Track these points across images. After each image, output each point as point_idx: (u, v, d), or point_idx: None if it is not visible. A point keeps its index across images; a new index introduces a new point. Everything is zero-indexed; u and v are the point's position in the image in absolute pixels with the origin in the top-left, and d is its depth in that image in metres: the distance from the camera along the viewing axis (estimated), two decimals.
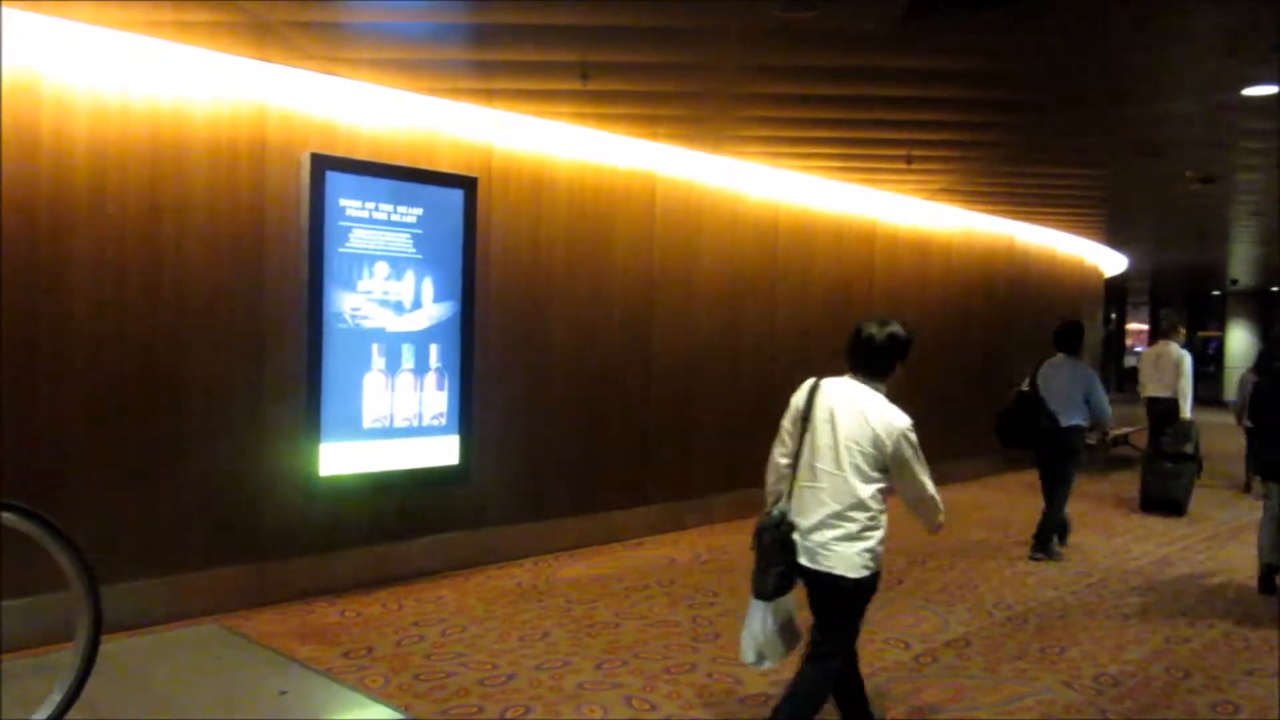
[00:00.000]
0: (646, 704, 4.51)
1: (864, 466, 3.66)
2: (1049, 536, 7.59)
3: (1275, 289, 24.12)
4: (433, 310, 6.31)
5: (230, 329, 5.58)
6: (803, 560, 3.72)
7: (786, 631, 3.87)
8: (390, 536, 6.36)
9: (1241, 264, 18.81)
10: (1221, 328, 26.79)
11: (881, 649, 5.34)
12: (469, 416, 6.51)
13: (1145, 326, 32.97)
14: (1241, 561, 7.62)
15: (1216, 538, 8.57)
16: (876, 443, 3.66)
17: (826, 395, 3.84)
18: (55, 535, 3.66)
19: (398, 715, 4.32)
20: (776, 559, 3.76)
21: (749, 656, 3.89)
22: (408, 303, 6.19)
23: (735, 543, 7.83)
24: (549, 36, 5.04)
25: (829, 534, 3.66)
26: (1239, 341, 26.04)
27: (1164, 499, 9.58)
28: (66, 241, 4.98)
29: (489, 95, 6.37)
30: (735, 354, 8.62)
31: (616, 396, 7.67)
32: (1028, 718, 4.50)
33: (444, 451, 6.40)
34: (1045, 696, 4.72)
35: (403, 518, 6.41)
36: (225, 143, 5.52)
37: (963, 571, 7.08)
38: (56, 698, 3.68)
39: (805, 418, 3.85)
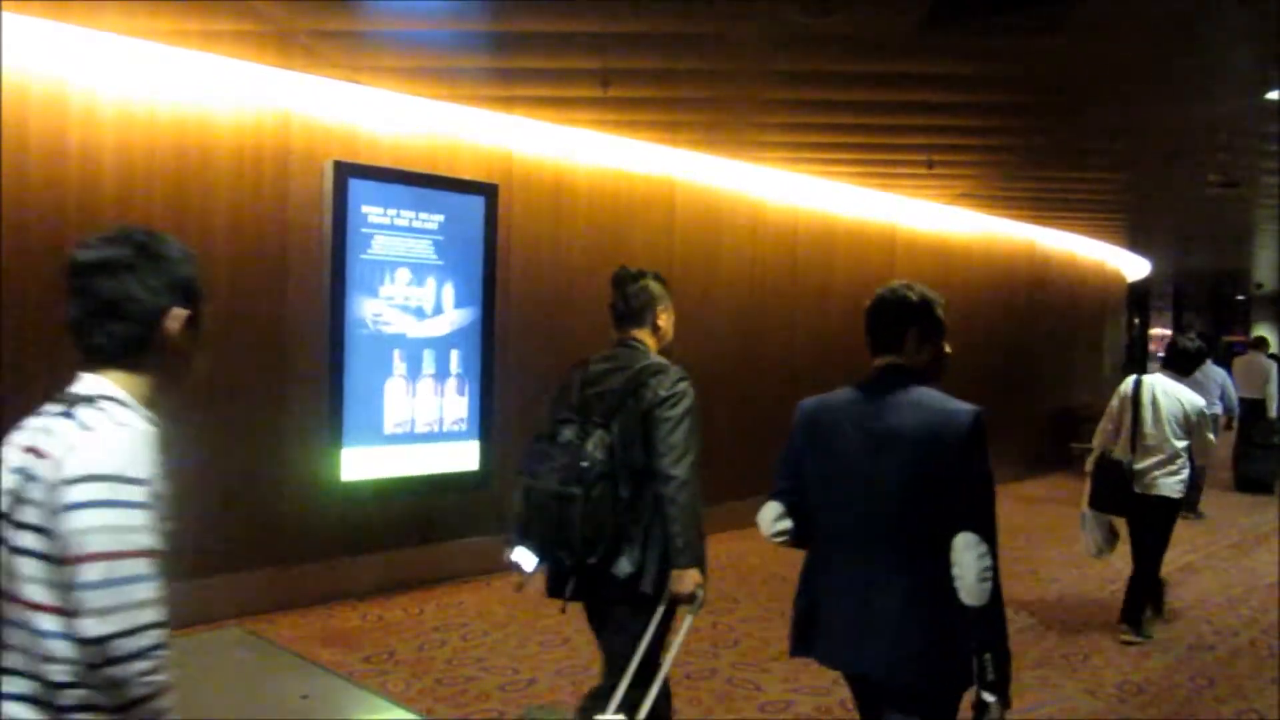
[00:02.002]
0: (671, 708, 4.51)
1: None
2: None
3: None
4: (454, 316, 6.34)
5: (253, 334, 5.63)
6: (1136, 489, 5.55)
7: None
8: (411, 541, 6.39)
9: (1265, 268, 18.64)
10: (1246, 332, 26.54)
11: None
12: (489, 422, 6.54)
13: (1169, 332, 32.73)
14: (1266, 568, 7.55)
15: (1241, 545, 8.49)
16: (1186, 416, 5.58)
17: (1148, 386, 5.69)
18: None
19: (419, 719, 4.35)
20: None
21: (1093, 551, 5.71)
22: (429, 309, 6.22)
23: (754, 549, 7.81)
24: (569, 44, 5.06)
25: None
26: None
27: (1257, 480, 11.41)
28: None
29: (509, 102, 6.40)
30: (755, 359, 8.61)
31: None
32: None
33: (465, 457, 6.43)
34: (1068, 704, 4.69)
35: (424, 523, 6.44)
36: (249, 151, 5.57)
37: None
38: None
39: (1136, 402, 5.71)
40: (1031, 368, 12.16)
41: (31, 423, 1.68)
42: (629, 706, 3.00)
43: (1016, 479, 11.75)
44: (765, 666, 5.11)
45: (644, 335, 3.38)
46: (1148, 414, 5.65)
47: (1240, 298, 26.27)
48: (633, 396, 3.12)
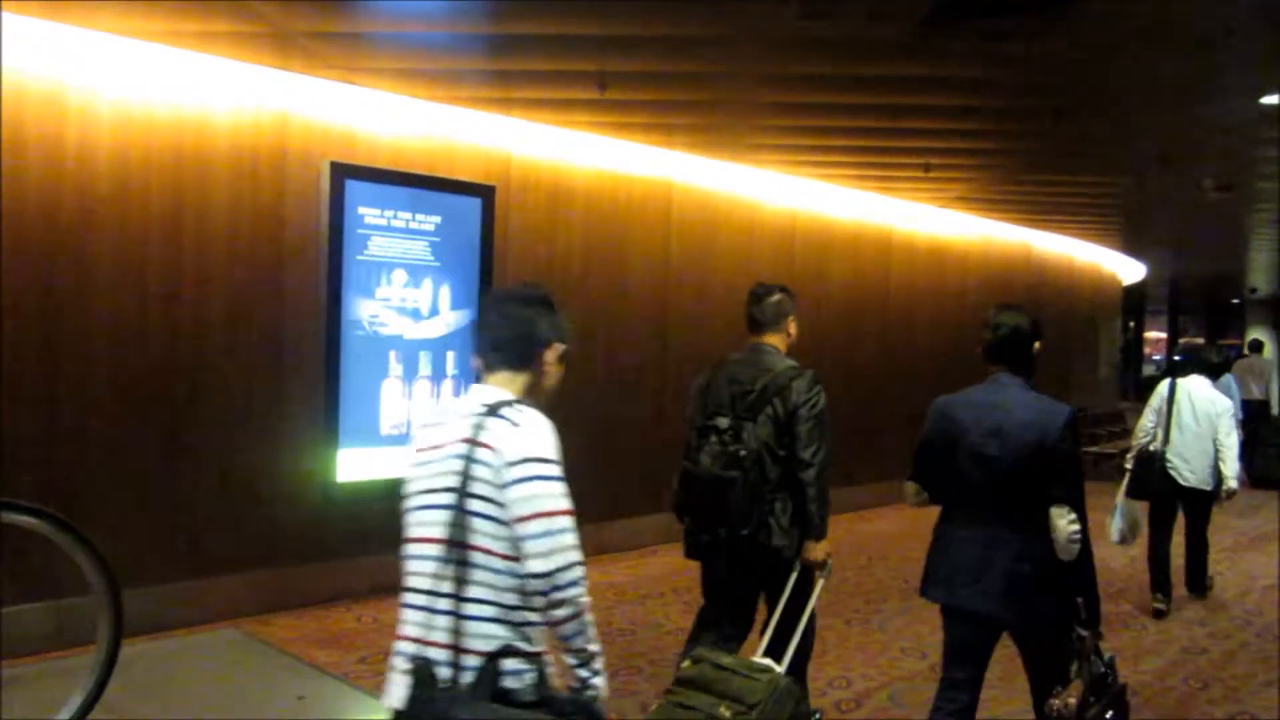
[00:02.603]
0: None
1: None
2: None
3: None
4: (450, 317, 6.34)
5: (250, 335, 5.63)
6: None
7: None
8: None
9: (1260, 272, 18.67)
10: (1241, 336, 26.59)
11: (898, 658, 5.33)
12: None
13: (1164, 335, 32.78)
14: (1261, 570, 7.57)
15: (1236, 548, 8.51)
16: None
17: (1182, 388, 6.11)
18: (77, 539, 3.71)
19: None
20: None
21: (1116, 538, 5.85)
22: (425, 310, 6.22)
23: None
24: (567, 46, 5.07)
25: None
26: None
27: (1268, 477, 11.96)
28: (89, 248, 5.04)
29: (507, 104, 6.40)
30: None
31: (632, 403, 7.68)
32: None
33: None
34: None
35: None
36: (246, 151, 5.57)
37: None
38: (77, 700, 3.72)
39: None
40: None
41: (448, 421, 2.22)
42: (776, 652, 3.63)
43: None
44: None
45: (777, 340, 3.96)
46: (1183, 413, 6.37)
47: (1235, 301, 26.31)
48: (778, 396, 3.74)
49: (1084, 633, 3.22)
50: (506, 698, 2.06)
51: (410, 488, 2.27)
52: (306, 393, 5.83)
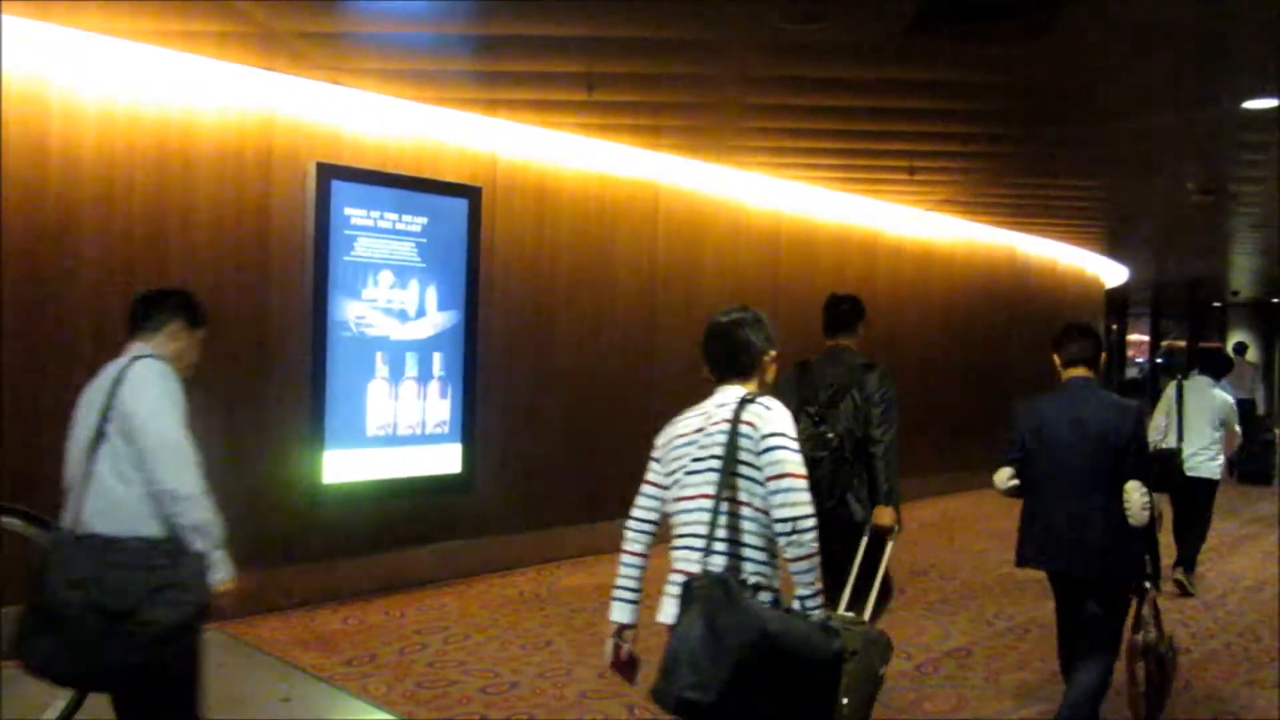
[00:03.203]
0: (649, 712, 4.51)
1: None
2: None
3: (1276, 300, 24.11)
4: (436, 319, 6.34)
5: (235, 337, 5.60)
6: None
7: None
8: (393, 544, 6.37)
9: (1242, 275, 18.81)
10: (1222, 339, 26.78)
11: None
12: (472, 425, 6.53)
13: (1146, 338, 32.96)
14: (1243, 571, 7.63)
15: (1219, 549, 8.56)
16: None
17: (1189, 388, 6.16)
18: None
19: None
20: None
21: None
22: (412, 311, 6.21)
23: None
24: (554, 48, 5.08)
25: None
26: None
27: (1254, 473, 12.82)
28: (73, 248, 5.01)
29: (494, 105, 6.40)
30: None
31: (619, 405, 7.68)
32: None
33: (447, 460, 6.42)
34: (1046, 706, 4.72)
35: (406, 526, 6.43)
36: (232, 152, 5.55)
37: (964, 582, 7.09)
38: (61, 704, 3.70)
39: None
40: (1010, 371, 12.21)
41: (705, 412, 2.89)
42: (855, 609, 4.08)
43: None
44: None
45: (851, 341, 4.65)
46: (1191, 411, 7.07)
47: (1217, 304, 26.49)
48: (856, 387, 4.40)
49: (1148, 585, 4.29)
50: None
51: (674, 464, 2.88)
52: (293, 394, 5.81)
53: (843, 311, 4.85)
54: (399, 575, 6.36)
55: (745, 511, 2.72)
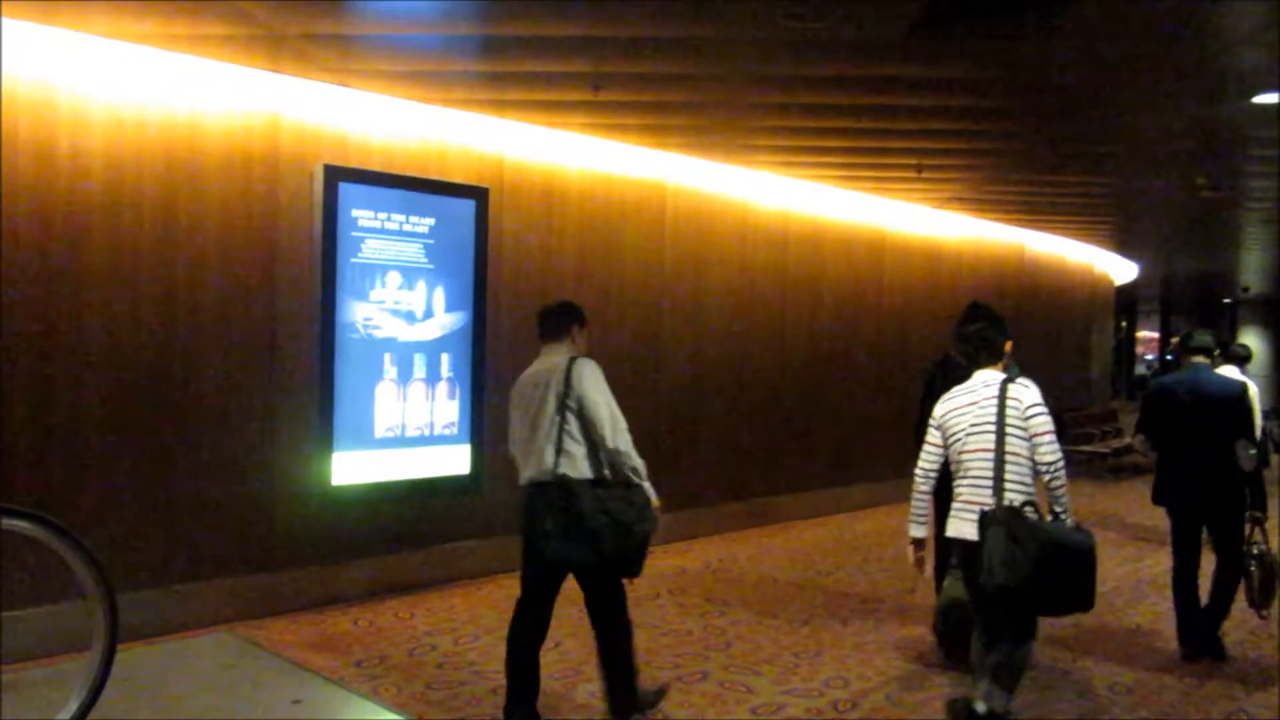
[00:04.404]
0: (658, 713, 4.51)
1: None
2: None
3: None
4: (444, 320, 6.34)
5: (243, 339, 5.62)
6: None
7: None
8: (402, 546, 6.38)
9: (1252, 271, 18.74)
10: (1233, 335, 26.69)
11: (893, 658, 5.34)
12: (480, 426, 6.53)
13: (1156, 335, 32.85)
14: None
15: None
16: None
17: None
18: (72, 544, 3.69)
19: None
20: None
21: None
22: (419, 312, 6.22)
23: (745, 553, 7.83)
24: (560, 48, 5.07)
25: None
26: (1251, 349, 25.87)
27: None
28: (82, 252, 5.02)
29: (500, 106, 6.40)
30: (745, 362, 8.63)
31: (626, 405, 7.61)
32: None
33: (455, 461, 6.42)
34: (1058, 706, 4.70)
35: (415, 527, 6.43)
36: (239, 154, 5.56)
37: None
38: (73, 705, 3.70)
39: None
40: (1020, 368, 12.21)
41: (974, 390, 4.17)
42: None
43: None
44: (757, 669, 5.11)
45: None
46: None
47: (1227, 301, 26.39)
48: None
49: (1259, 513, 5.60)
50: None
51: (954, 428, 4.17)
52: (301, 396, 5.82)
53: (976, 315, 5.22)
54: (408, 577, 6.36)
55: (1015, 459, 4.00)
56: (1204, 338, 5.62)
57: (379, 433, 6.06)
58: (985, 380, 4.14)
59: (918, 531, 4.32)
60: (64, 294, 4.97)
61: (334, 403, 5.85)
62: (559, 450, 4.06)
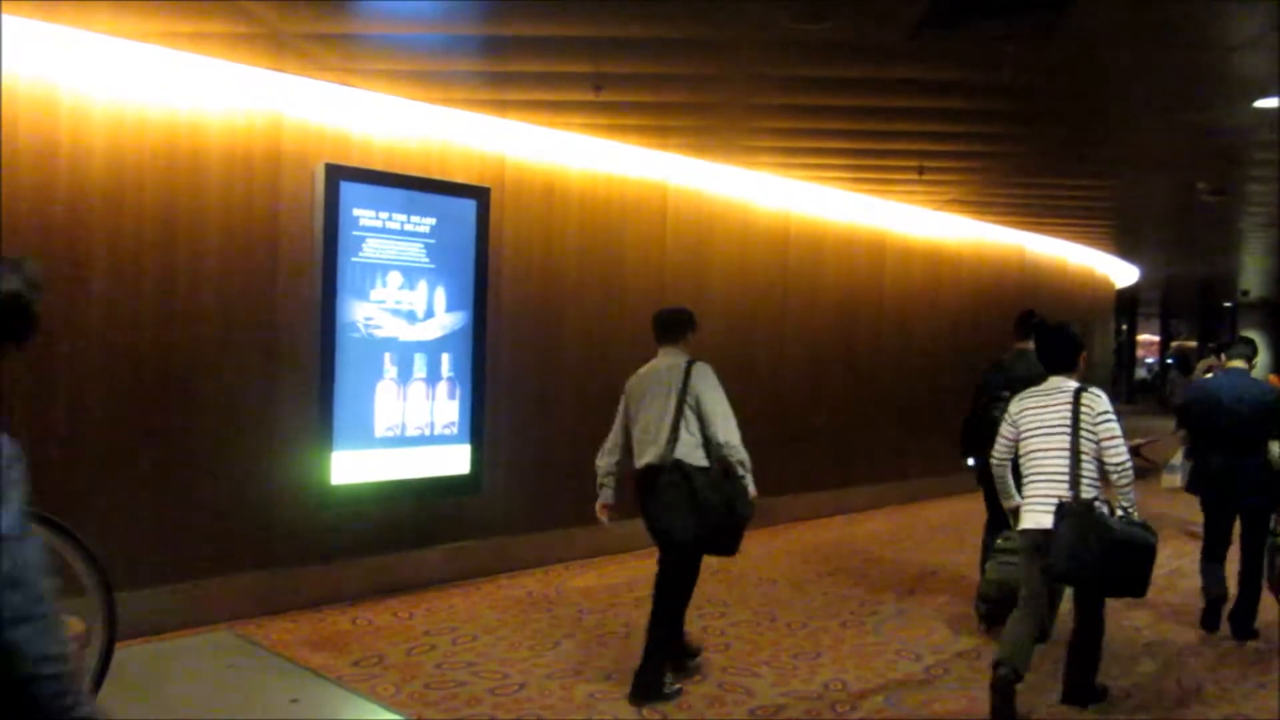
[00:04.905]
0: (658, 714, 4.51)
1: None
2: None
3: None
4: (445, 320, 6.33)
5: (244, 338, 5.61)
6: None
7: None
8: (402, 545, 6.37)
9: (1252, 275, 18.74)
10: (1232, 338, 26.74)
11: (894, 660, 5.33)
12: (480, 426, 6.53)
13: (1156, 338, 32.85)
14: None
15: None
16: None
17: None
18: (70, 541, 3.69)
19: None
20: None
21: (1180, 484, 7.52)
22: (420, 312, 6.22)
23: (745, 553, 7.82)
24: (562, 48, 5.07)
25: None
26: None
27: None
28: (82, 250, 5.02)
29: (502, 106, 6.40)
30: (746, 363, 8.62)
31: None
32: None
33: (456, 460, 6.42)
34: (1057, 709, 4.70)
35: (414, 526, 6.43)
36: (240, 153, 5.56)
37: (974, 584, 7.05)
38: None
39: None
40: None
41: (1048, 394, 4.59)
42: None
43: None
44: (756, 670, 5.11)
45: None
46: None
47: (1227, 304, 26.39)
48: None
49: None
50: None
51: (1027, 426, 4.61)
52: (301, 395, 5.82)
53: (1019, 323, 6.31)
54: (407, 576, 6.36)
55: (1085, 459, 4.42)
56: (1244, 348, 6.27)
57: (379, 432, 6.06)
58: (1060, 386, 4.59)
59: (1013, 502, 4.84)
60: (63, 293, 4.97)
61: (334, 402, 5.85)
62: (676, 439, 4.65)
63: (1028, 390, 4.73)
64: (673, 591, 4.79)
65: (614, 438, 5.02)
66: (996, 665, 4.42)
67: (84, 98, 5.01)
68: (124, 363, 5.18)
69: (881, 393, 10.09)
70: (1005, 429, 4.74)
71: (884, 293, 10.30)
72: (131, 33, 4.97)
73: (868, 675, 5.10)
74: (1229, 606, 5.95)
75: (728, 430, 4.68)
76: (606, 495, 5.01)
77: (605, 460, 5.02)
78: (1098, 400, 4.47)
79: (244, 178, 5.58)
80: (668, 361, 4.88)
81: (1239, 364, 6.06)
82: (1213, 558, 6.07)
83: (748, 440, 4.83)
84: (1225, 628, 5.95)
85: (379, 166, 6.07)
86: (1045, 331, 4.89)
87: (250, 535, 5.71)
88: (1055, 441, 4.49)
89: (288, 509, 5.81)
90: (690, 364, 4.79)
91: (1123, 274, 16.88)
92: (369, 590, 6.14)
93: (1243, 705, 4.86)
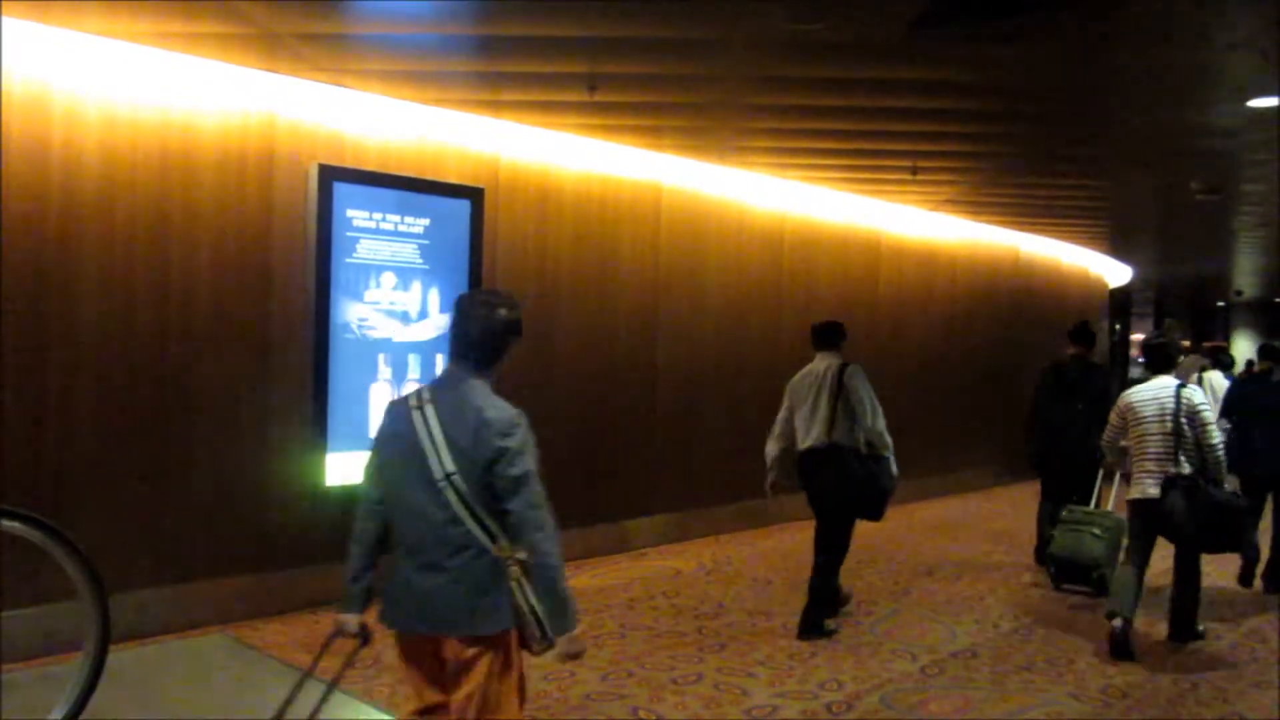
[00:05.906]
0: (653, 715, 4.50)
1: None
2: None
3: (1279, 300, 24.09)
4: (439, 320, 6.32)
5: (237, 339, 5.60)
6: None
7: None
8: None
9: (1245, 275, 18.78)
10: (1226, 338, 26.73)
11: (889, 660, 5.33)
12: None
13: None
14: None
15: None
16: None
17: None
18: (64, 544, 3.68)
19: None
20: None
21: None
22: (414, 313, 6.21)
23: (740, 554, 7.83)
24: (556, 48, 5.06)
25: None
26: (1243, 351, 25.98)
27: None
28: (76, 251, 5.00)
29: (496, 106, 6.39)
30: (740, 364, 8.62)
31: (622, 408, 7.67)
32: None
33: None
34: (1053, 708, 4.71)
35: None
36: (234, 154, 5.54)
37: (969, 583, 7.07)
38: (64, 707, 3.69)
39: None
40: (1014, 372, 12.21)
41: (1153, 390, 5.61)
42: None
43: (999, 483, 11.80)
44: (752, 671, 5.11)
45: (1084, 350, 7.23)
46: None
47: (1220, 304, 26.45)
48: (1086, 381, 7.19)
49: None
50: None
51: (1136, 416, 5.58)
52: (295, 396, 5.81)
53: (1075, 330, 7.89)
54: None
55: (1186, 441, 5.39)
56: (1275, 352, 7.48)
57: (373, 433, 6.02)
58: (1163, 383, 5.59)
59: (1115, 454, 6.05)
60: (56, 294, 4.95)
61: (328, 403, 5.83)
62: (833, 425, 5.62)
63: (1135, 388, 5.73)
64: (830, 550, 5.73)
65: (779, 427, 5.91)
66: (1110, 615, 5.48)
67: (77, 99, 4.99)
68: (117, 364, 5.17)
69: (877, 392, 10.07)
70: (1114, 418, 5.82)
71: (879, 293, 10.31)
72: (124, 33, 4.96)
73: (863, 675, 5.09)
74: (1261, 566, 7.10)
75: (875, 419, 5.63)
76: (774, 475, 5.90)
77: (773, 445, 5.90)
78: (1193, 397, 5.47)
79: (237, 178, 5.57)
80: (825, 364, 5.80)
81: (1267, 364, 7.43)
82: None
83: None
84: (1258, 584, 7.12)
85: (373, 167, 6.06)
86: (1152, 344, 5.89)
87: (244, 537, 5.69)
88: (1161, 427, 5.47)
89: (282, 511, 5.79)
90: (844, 366, 5.75)
91: (1116, 274, 16.91)
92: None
93: (1237, 704, 4.86)
